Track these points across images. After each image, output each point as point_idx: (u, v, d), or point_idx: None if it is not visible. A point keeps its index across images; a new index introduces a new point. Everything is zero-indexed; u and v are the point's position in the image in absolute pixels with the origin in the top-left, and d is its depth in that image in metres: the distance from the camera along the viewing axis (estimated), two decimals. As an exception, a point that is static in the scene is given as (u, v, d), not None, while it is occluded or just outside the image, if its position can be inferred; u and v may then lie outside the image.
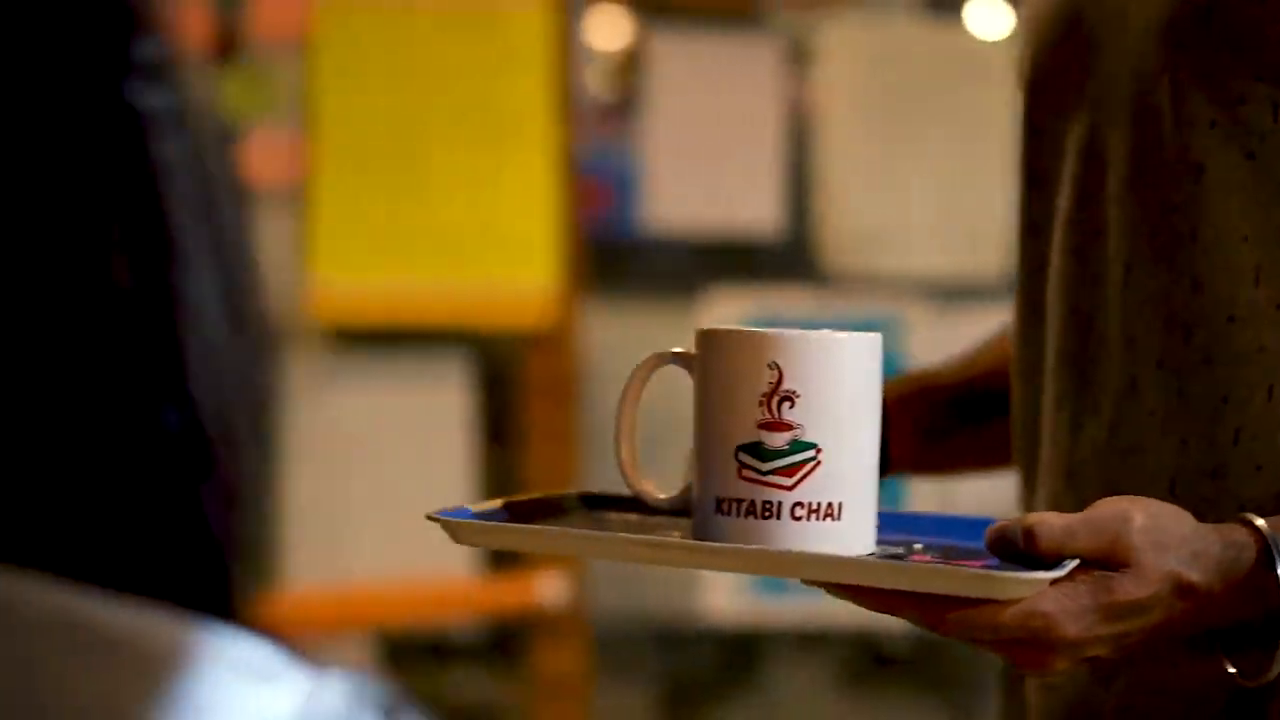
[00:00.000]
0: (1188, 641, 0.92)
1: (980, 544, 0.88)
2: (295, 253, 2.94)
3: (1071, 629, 0.84)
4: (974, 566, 0.87)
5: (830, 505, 0.88)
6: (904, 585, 0.84)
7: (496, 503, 0.96)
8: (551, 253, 2.98)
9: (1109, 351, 0.98)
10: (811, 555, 0.87)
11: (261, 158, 3.04)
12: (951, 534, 0.94)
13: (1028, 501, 1.06)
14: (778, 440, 0.88)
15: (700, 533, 0.91)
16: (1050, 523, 0.86)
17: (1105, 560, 0.85)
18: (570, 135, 3.05)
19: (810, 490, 0.88)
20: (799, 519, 0.88)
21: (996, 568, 0.86)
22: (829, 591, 0.87)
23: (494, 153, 3.01)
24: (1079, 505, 0.89)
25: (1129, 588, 0.85)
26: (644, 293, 3.35)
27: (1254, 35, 0.92)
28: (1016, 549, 0.85)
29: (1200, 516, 0.89)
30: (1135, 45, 0.97)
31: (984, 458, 1.19)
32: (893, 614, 0.87)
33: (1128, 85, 0.97)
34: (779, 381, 0.88)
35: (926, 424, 1.15)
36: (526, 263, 2.99)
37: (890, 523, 0.94)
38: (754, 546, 0.88)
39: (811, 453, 0.88)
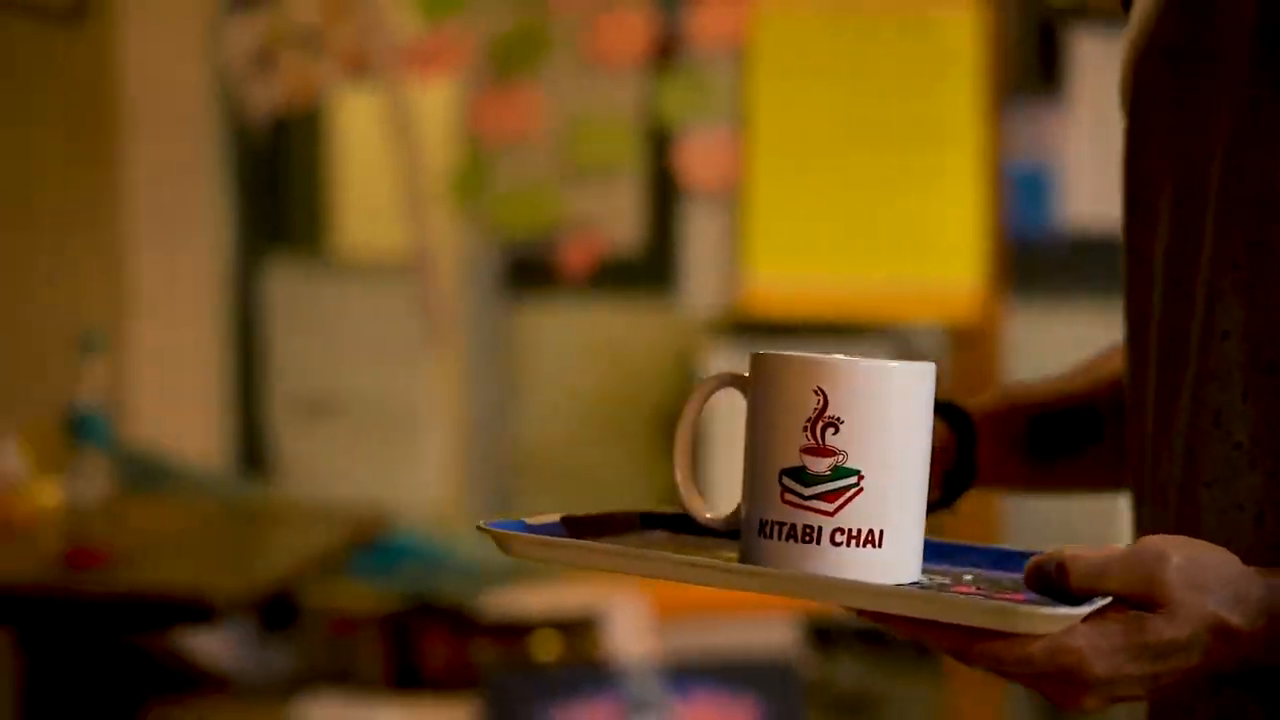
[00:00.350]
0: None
1: None
2: (732, 249, 3.07)
3: (1101, 667, 0.82)
4: (1012, 599, 0.84)
5: (871, 532, 0.88)
6: (922, 614, 0.83)
7: (553, 516, 0.95)
8: (977, 251, 3.05)
9: (1195, 383, 0.96)
10: (839, 581, 0.86)
11: (699, 158, 3.18)
12: (1006, 565, 0.92)
13: (1135, 527, 1.03)
14: (820, 466, 0.88)
15: (746, 554, 0.90)
16: (1084, 558, 0.83)
17: (1140, 599, 0.83)
18: (998, 136, 3.10)
19: (851, 516, 0.88)
20: (839, 544, 0.88)
21: (1035, 602, 0.83)
22: (862, 617, 0.86)
23: (923, 153, 3.09)
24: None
25: (1162, 628, 0.83)
26: (1065, 292, 3.39)
27: None
28: (1051, 583, 0.83)
29: None
30: (1226, 76, 0.95)
31: (1086, 479, 1.16)
32: (924, 642, 0.85)
33: (1219, 117, 0.95)
34: (823, 407, 0.88)
35: (1023, 440, 1.12)
36: (953, 261, 3.07)
37: (944, 552, 0.93)
38: (785, 571, 0.88)
39: (854, 479, 0.88)
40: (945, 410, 1.09)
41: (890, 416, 0.88)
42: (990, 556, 0.93)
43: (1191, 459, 0.96)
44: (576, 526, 0.95)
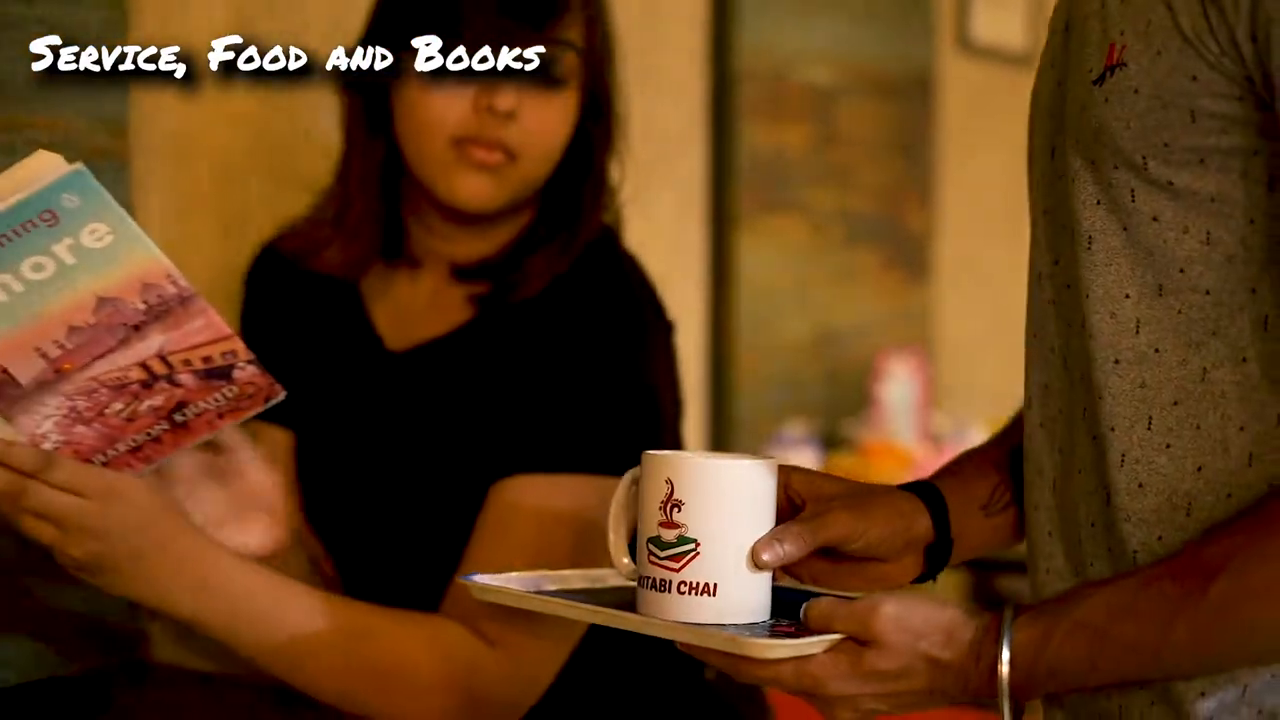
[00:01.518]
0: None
1: None
2: None
3: (834, 686, 1.13)
4: (782, 632, 1.16)
5: (707, 585, 1.18)
6: (685, 639, 1.16)
7: (531, 574, 1.30)
8: None
9: (1030, 393, 1.23)
10: (638, 619, 1.19)
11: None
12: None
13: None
14: (670, 535, 1.19)
15: (636, 602, 1.22)
16: (818, 605, 1.14)
17: (859, 637, 1.12)
18: None
19: (691, 573, 1.18)
20: (684, 594, 1.19)
21: (797, 634, 1.14)
22: (680, 649, 1.18)
23: None
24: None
25: (875, 659, 1.12)
26: None
27: (1108, 133, 1.11)
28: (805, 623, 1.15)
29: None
30: (1044, 128, 1.21)
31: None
32: (712, 665, 1.18)
33: (1044, 164, 1.20)
34: (671, 492, 1.19)
35: (985, 501, 1.34)
36: None
37: (795, 597, 1.21)
38: (614, 611, 1.20)
39: (692, 546, 1.18)
40: (918, 488, 1.32)
41: (722, 501, 1.19)
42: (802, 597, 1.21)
43: (1029, 459, 1.24)
44: (536, 581, 1.28)
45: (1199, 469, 1.11)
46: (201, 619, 1.41)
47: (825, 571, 1.28)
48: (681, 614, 1.18)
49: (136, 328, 1.29)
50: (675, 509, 1.18)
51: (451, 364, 1.62)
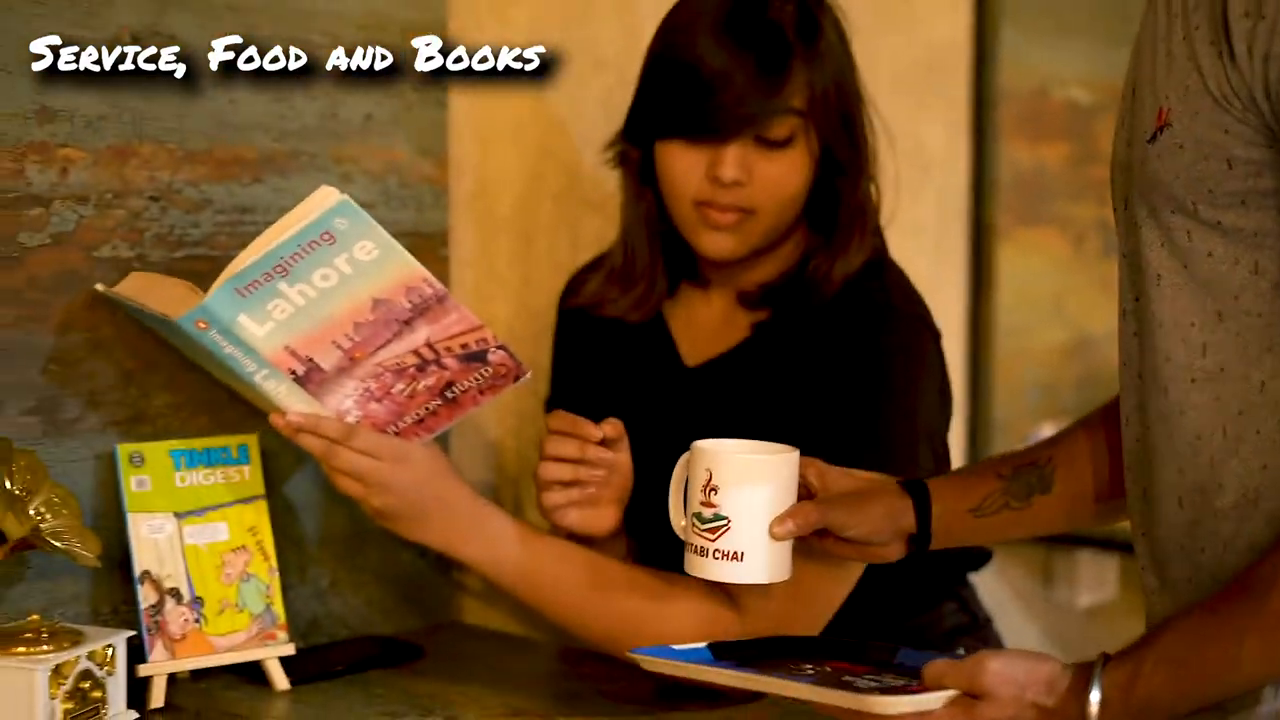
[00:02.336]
0: None
1: None
2: None
3: None
4: (900, 688, 1.33)
5: (735, 552, 1.49)
6: (817, 698, 1.34)
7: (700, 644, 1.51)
8: None
9: (1126, 413, 1.38)
10: (788, 684, 1.37)
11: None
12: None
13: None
14: (708, 512, 1.50)
15: (683, 559, 1.53)
16: (933, 666, 1.32)
17: (970, 691, 1.29)
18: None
19: (723, 543, 1.49)
20: (717, 558, 1.49)
21: (916, 690, 1.32)
22: (816, 709, 1.36)
23: None
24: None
25: (985, 710, 1.28)
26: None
27: (1163, 184, 1.27)
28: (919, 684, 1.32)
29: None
30: (1119, 182, 1.36)
31: (1027, 529, 1.60)
32: None
33: (1121, 213, 1.36)
34: (709, 479, 1.49)
35: (976, 505, 1.56)
36: None
37: (908, 658, 1.42)
38: (805, 686, 1.37)
39: (724, 522, 1.49)
40: (912, 487, 1.55)
41: (746, 486, 1.49)
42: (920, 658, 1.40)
43: (1129, 468, 1.39)
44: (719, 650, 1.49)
45: (1264, 467, 1.27)
46: (478, 562, 1.70)
47: (834, 546, 1.55)
48: (715, 573, 1.50)
49: (406, 322, 1.56)
50: (713, 491, 1.48)
51: (738, 376, 1.80)
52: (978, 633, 1.95)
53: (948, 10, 2.81)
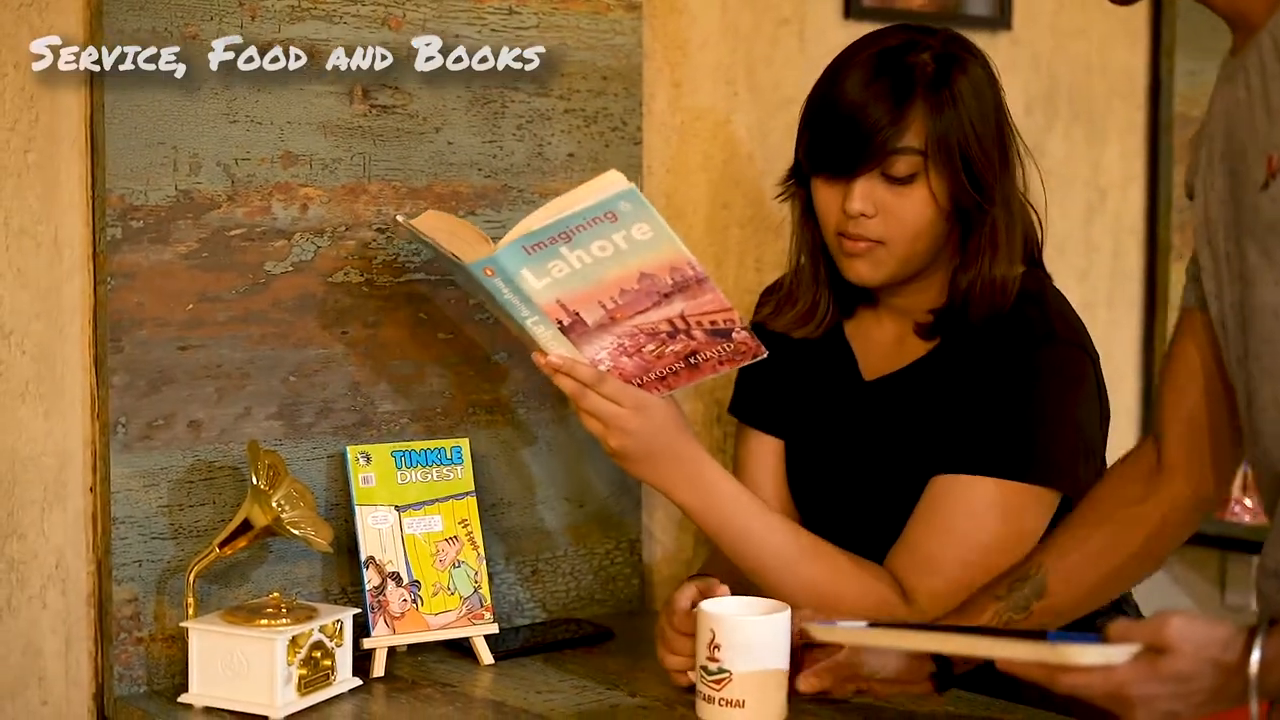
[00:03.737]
0: None
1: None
2: None
3: (1137, 689, 1.32)
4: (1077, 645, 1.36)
5: (738, 700, 1.66)
6: (1008, 654, 1.41)
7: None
8: None
9: (1254, 455, 1.48)
10: (969, 639, 1.52)
11: None
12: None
13: None
14: (712, 666, 1.67)
15: (695, 707, 1.70)
16: (1116, 625, 1.35)
17: (1155, 646, 1.32)
18: None
19: (726, 692, 1.66)
20: (722, 706, 1.66)
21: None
22: (1000, 667, 1.43)
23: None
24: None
25: (1170, 664, 1.31)
26: None
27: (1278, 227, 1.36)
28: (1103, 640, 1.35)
29: None
30: (1223, 230, 1.44)
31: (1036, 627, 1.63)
32: (1029, 679, 1.39)
33: (1233, 258, 1.42)
34: (713, 638, 1.66)
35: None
36: None
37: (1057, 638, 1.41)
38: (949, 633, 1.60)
39: (727, 674, 1.65)
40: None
41: (749, 644, 1.64)
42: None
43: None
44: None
45: None
46: (690, 507, 1.84)
47: (877, 688, 1.66)
48: (720, 719, 1.66)
49: (666, 295, 1.73)
50: (716, 649, 1.66)
51: (911, 393, 1.94)
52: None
53: (1126, 40, 2.91)
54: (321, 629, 1.76)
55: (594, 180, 1.67)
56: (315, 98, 1.91)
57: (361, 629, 1.85)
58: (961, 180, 1.86)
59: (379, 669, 1.86)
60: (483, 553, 1.94)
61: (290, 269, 1.91)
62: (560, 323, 1.74)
